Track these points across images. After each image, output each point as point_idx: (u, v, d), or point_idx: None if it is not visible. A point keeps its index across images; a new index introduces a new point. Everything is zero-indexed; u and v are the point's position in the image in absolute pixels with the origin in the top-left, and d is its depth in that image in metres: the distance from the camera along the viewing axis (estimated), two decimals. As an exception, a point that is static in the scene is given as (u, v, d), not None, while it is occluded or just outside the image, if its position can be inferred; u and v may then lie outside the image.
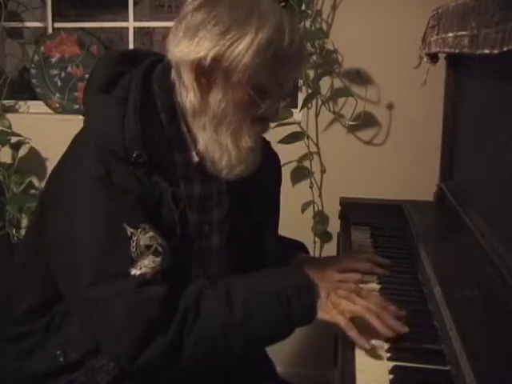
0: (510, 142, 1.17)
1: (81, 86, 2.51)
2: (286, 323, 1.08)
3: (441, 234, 1.55)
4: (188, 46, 1.07)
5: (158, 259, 1.04)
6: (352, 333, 1.04)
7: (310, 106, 2.20)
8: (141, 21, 2.59)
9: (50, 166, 2.14)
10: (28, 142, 2.45)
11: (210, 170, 1.16)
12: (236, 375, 1.21)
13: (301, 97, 2.29)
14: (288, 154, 2.03)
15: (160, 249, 1.05)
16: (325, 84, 2.17)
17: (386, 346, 1.03)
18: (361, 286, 1.19)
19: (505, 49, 0.98)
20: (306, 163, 2.25)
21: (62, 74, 2.56)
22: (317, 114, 2.22)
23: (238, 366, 1.14)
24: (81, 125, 1.17)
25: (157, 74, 1.16)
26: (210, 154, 1.14)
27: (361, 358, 1.01)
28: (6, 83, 2.45)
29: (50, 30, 2.58)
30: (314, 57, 2.14)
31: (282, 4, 2.07)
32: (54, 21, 2.58)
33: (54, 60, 2.55)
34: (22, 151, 2.45)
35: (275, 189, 1.37)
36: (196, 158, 1.16)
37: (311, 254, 1.79)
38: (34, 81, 2.58)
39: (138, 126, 1.08)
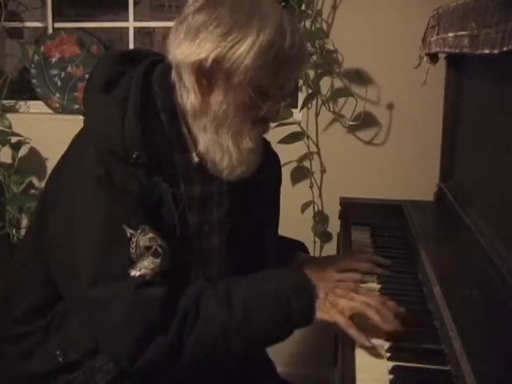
0: (510, 142, 1.17)
1: (81, 86, 2.51)
2: (286, 324, 1.08)
3: (441, 233, 1.55)
4: (189, 48, 1.07)
5: (158, 260, 1.04)
6: (352, 331, 1.04)
7: (310, 106, 2.20)
8: (141, 21, 2.59)
9: (50, 166, 2.15)
10: (28, 142, 2.44)
11: (210, 171, 1.16)
12: (236, 375, 1.21)
13: (301, 97, 2.29)
14: (288, 154, 2.03)
15: (160, 250, 1.05)
16: (325, 84, 2.17)
17: (386, 345, 1.03)
18: (360, 285, 1.19)
19: (505, 49, 0.98)
20: (306, 163, 2.25)
21: (62, 74, 2.56)
22: (317, 114, 2.22)
23: (238, 366, 1.14)
24: (81, 125, 1.17)
25: (157, 74, 1.16)
26: (210, 156, 1.14)
27: (361, 357, 1.01)
28: (6, 83, 2.45)
29: (50, 30, 2.58)
30: (314, 57, 2.14)
31: (282, 4, 2.07)
32: (54, 21, 2.58)
33: (54, 60, 2.55)
34: (22, 151, 2.45)
35: (275, 189, 1.37)
36: (196, 159, 1.16)
37: (311, 253, 1.79)
38: (34, 81, 2.57)
39: (138, 126, 1.08)
